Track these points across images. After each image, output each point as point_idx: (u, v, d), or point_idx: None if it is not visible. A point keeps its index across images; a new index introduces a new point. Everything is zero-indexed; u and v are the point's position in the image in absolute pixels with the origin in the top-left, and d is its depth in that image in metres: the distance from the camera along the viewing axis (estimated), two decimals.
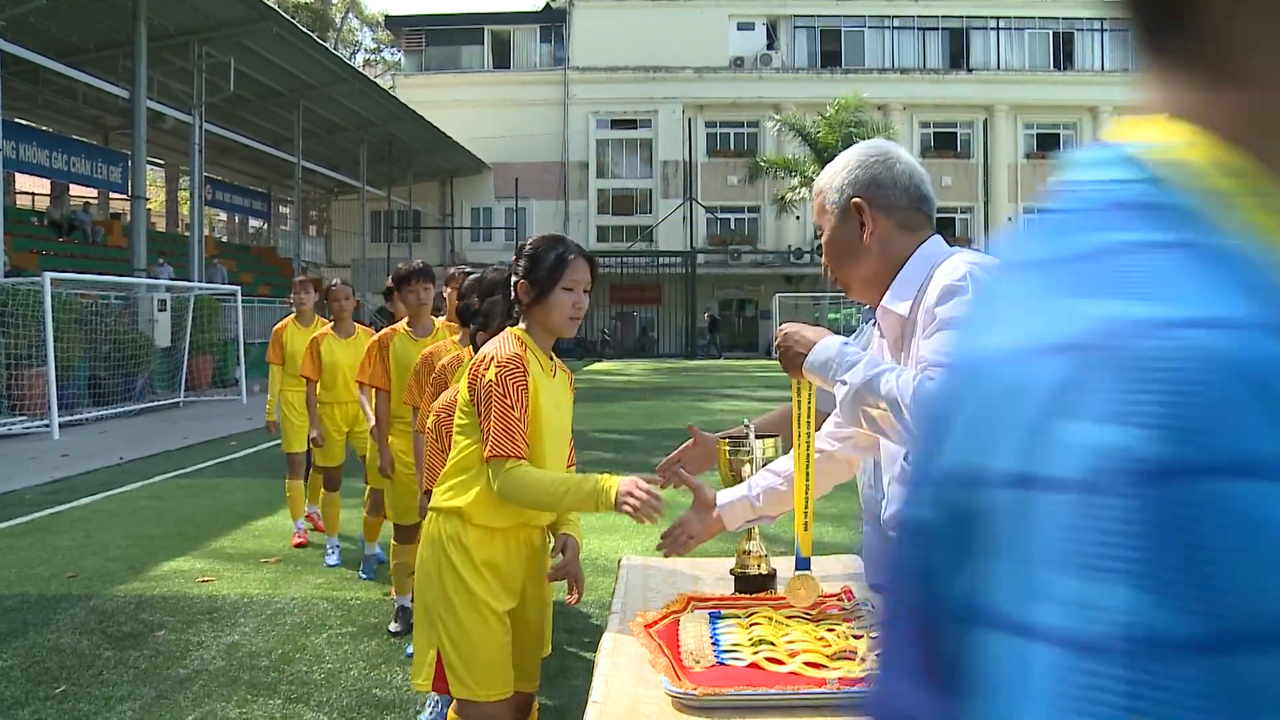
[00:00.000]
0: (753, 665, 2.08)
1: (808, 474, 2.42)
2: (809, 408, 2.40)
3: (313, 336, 7.38)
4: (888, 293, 2.19)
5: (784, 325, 2.30)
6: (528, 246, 2.91)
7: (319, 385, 7.15)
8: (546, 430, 2.85)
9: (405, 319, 5.81)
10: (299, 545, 7.64)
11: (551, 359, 2.97)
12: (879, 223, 2.18)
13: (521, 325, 2.93)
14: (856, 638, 2.20)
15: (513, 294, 2.92)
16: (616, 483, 2.65)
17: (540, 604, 3.07)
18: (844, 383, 2.06)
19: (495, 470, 2.73)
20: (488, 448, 2.73)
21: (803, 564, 2.48)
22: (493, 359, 2.79)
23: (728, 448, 2.75)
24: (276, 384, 7.88)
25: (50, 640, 5.46)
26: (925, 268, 2.15)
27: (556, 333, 2.90)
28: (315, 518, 8.02)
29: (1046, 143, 49.02)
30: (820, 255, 2.37)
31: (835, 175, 2.25)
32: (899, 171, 2.21)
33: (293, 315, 7.93)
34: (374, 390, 5.70)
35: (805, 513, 2.45)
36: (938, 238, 2.23)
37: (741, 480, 2.72)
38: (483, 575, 2.84)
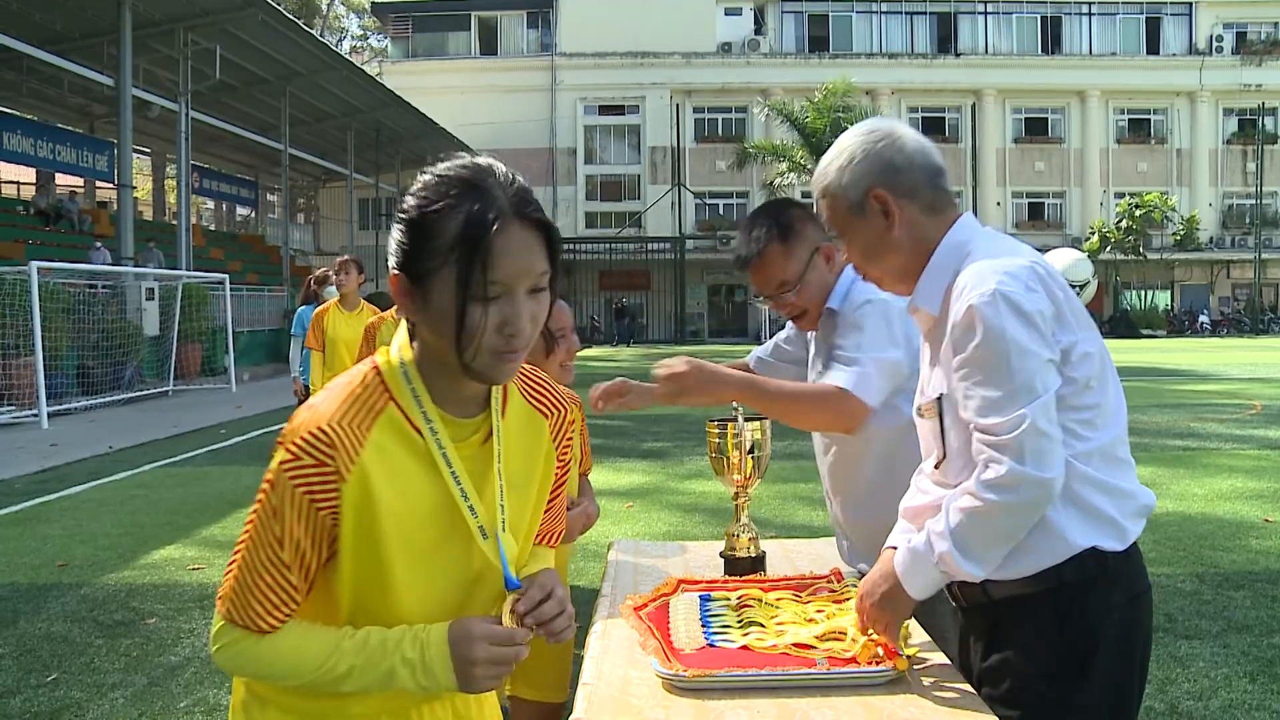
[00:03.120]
0: (743, 647, 2.10)
1: None
2: None
3: (319, 310, 7.36)
4: (916, 289, 2.07)
5: (858, 590, 2.11)
6: (411, 198, 1.40)
7: (324, 364, 7.11)
8: (424, 559, 1.45)
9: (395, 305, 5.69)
10: None
11: (488, 405, 1.50)
12: (904, 210, 2.04)
13: (402, 348, 1.48)
14: (846, 619, 2.21)
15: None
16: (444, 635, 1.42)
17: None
18: (944, 558, 1.91)
19: (217, 637, 1.49)
20: (220, 596, 1.50)
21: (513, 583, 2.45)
22: (290, 433, 1.40)
23: (715, 430, 2.75)
24: (318, 374, 7.54)
25: (41, 629, 5.45)
26: (953, 259, 2.01)
27: (477, 377, 1.41)
28: None
29: (1035, 127, 49.09)
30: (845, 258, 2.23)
31: (842, 171, 2.08)
32: (911, 150, 2.07)
33: (334, 300, 7.67)
34: None
35: None
36: (966, 217, 2.10)
37: (730, 464, 2.73)
38: None
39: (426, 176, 1.38)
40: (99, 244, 22.04)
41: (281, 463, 1.37)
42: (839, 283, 2.70)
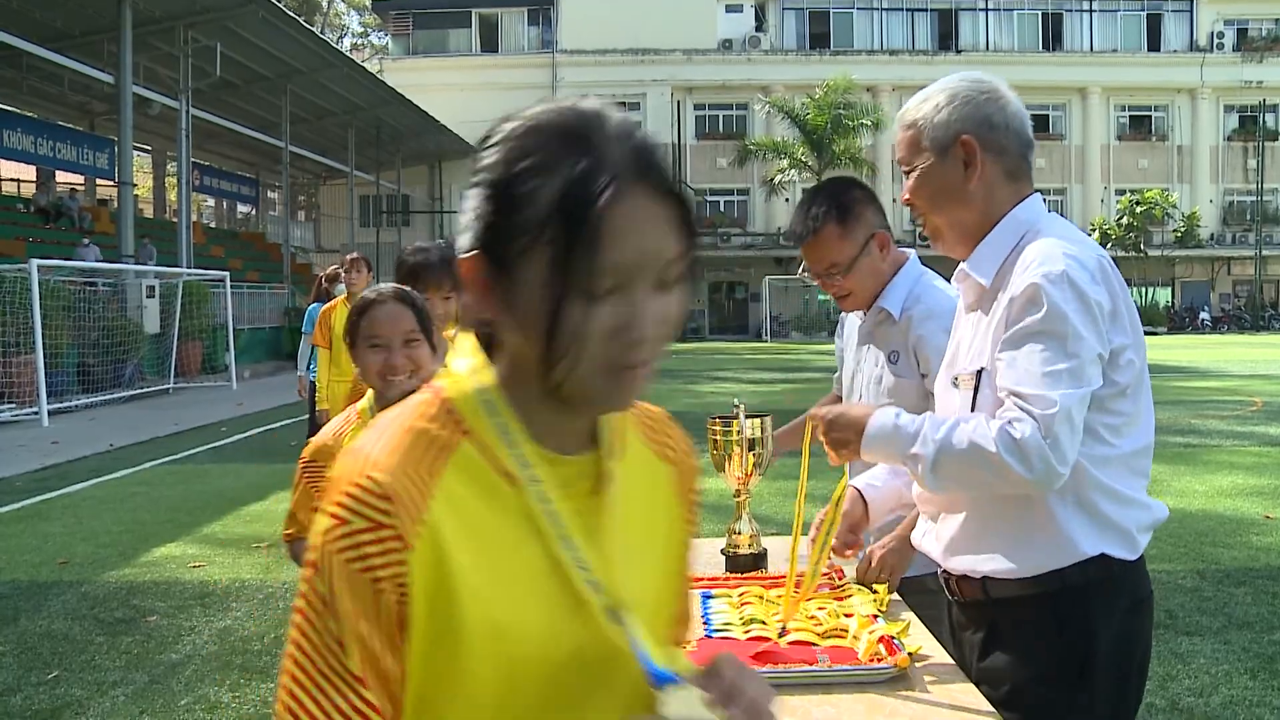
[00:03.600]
0: (743, 643, 2.09)
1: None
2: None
3: (326, 307, 7.37)
4: (972, 255, 2.02)
5: (815, 411, 2.13)
6: (492, 152, 1.04)
7: (330, 361, 7.09)
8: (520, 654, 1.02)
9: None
10: None
11: (596, 441, 1.12)
12: (987, 167, 1.97)
13: (477, 364, 1.10)
14: (847, 616, 2.21)
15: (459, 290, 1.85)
16: None
17: None
18: (916, 456, 1.89)
19: None
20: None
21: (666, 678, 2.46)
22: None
23: (716, 427, 2.75)
24: (324, 371, 7.46)
25: (42, 626, 5.46)
26: (1016, 235, 1.97)
27: (577, 403, 1.10)
28: None
29: (1036, 123, 47.77)
30: (901, 194, 2.14)
31: (938, 108, 1.99)
32: (1011, 113, 2.00)
33: (343, 296, 7.63)
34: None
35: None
36: (1037, 198, 2.04)
37: (731, 461, 2.72)
38: None
39: (513, 124, 1.01)
40: (87, 241, 21.79)
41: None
42: (896, 282, 2.69)
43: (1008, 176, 2.00)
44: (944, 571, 2.11)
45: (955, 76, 2.05)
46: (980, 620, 2.04)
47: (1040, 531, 1.90)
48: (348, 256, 7.68)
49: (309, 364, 8.71)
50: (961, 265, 2.05)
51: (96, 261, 20.06)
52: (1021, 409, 1.79)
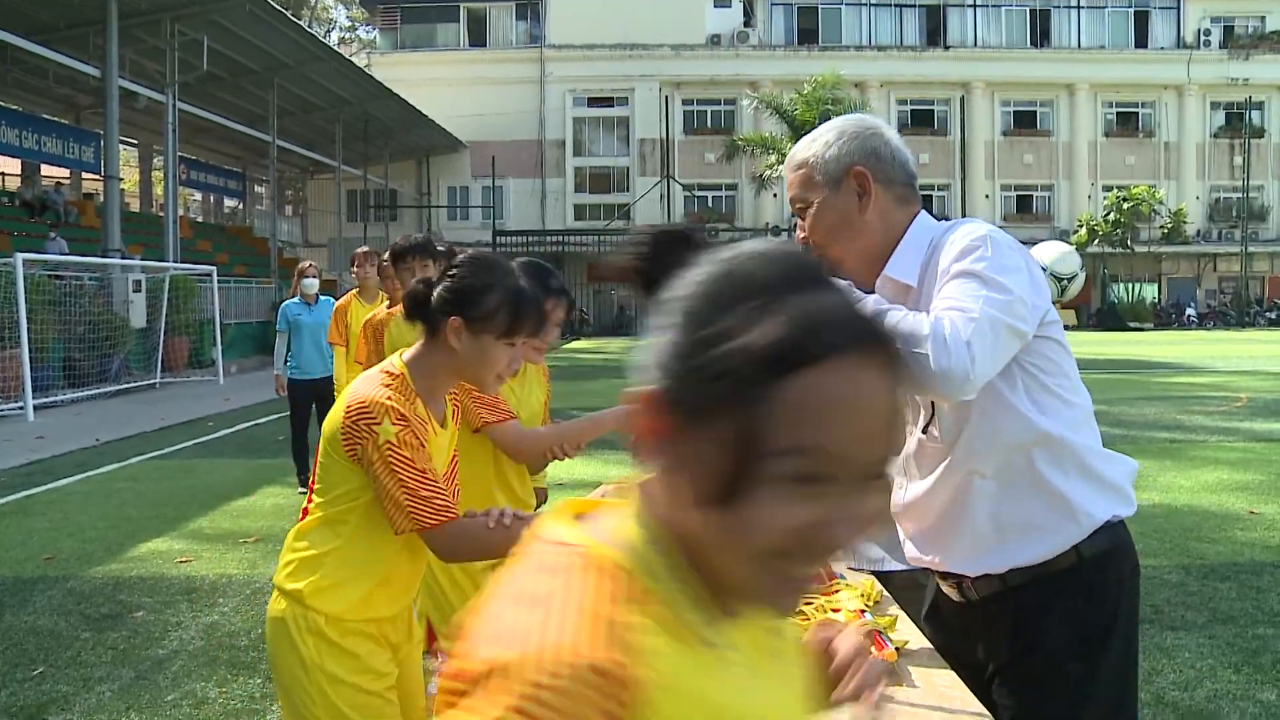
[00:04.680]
0: None
1: None
2: None
3: (340, 304, 7.36)
4: (890, 261, 2.07)
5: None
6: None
7: (346, 357, 7.08)
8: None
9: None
10: None
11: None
12: (879, 196, 2.07)
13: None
14: (835, 611, 2.21)
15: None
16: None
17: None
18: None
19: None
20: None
21: None
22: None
23: None
24: (342, 371, 7.35)
25: (27, 622, 5.44)
26: (927, 238, 2.05)
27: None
28: None
29: (1024, 120, 49.12)
30: (796, 232, 2.23)
31: (826, 146, 2.10)
32: (894, 146, 2.12)
33: (355, 291, 7.60)
34: None
35: None
36: (925, 213, 2.14)
37: None
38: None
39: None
40: (54, 234, 21.41)
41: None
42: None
43: (898, 202, 2.10)
44: (952, 575, 2.12)
45: (838, 119, 2.17)
46: (1002, 613, 2.06)
47: (1055, 512, 1.97)
48: (358, 251, 7.66)
49: (291, 362, 8.70)
50: (884, 272, 2.08)
51: (62, 255, 19.68)
52: (953, 307, 1.84)
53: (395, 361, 2.26)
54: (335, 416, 2.20)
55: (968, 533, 2.03)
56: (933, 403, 2.05)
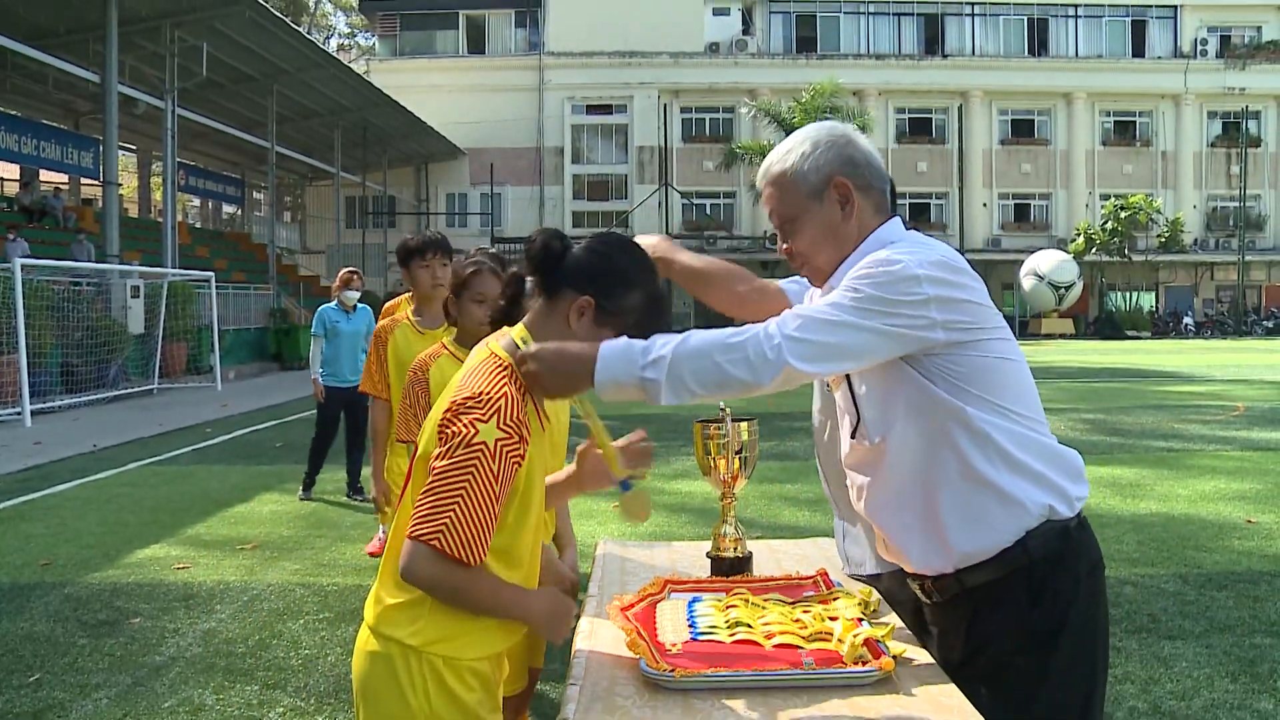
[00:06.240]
0: (729, 646, 2.10)
1: None
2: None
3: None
4: (837, 273, 2.09)
5: (531, 348, 1.91)
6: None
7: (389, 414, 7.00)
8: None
9: (412, 307, 4.83)
10: (374, 555, 6.87)
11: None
12: (860, 204, 2.09)
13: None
14: (832, 619, 2.22)
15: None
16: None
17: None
18: (654, 364, 1.85)
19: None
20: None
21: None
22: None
23: (703, 430, 2.75)
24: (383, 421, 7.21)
25: (24, 628, 5.43)
26: (876, 247, 2.06)
27: None
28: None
29: (1021, 129, 49.22)
30: (778, 242, 2.20)
31: (805, 157, 2.10)
32: (866, 151, 2.13)
33: (406, 296, 7.59)
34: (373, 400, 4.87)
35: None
36: (897, 221, 2.15)
37: (717, 464, 2.73)
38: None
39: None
40: (13, 236, 20.40)
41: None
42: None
43: (876, 210, 2.13)
44: (917, 576, 2.18)
45: (808, 128, 2.16)
46: (962, 613, 2.10)
47: (991, 504, 2.00)
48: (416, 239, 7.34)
49: (323, 367, 8.70)
50: (828, 282, 2.12)
51: (24, 256, 19.18)
52: (787, 314, 1.93)
53: (515, 337, 1.96)
54: (434, 419, 1.92)
55: (916, 532, 2.09)
56: (857, 408, 2.11)
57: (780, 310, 2.02)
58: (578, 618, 2.40)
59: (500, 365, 1.91)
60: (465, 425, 1.79)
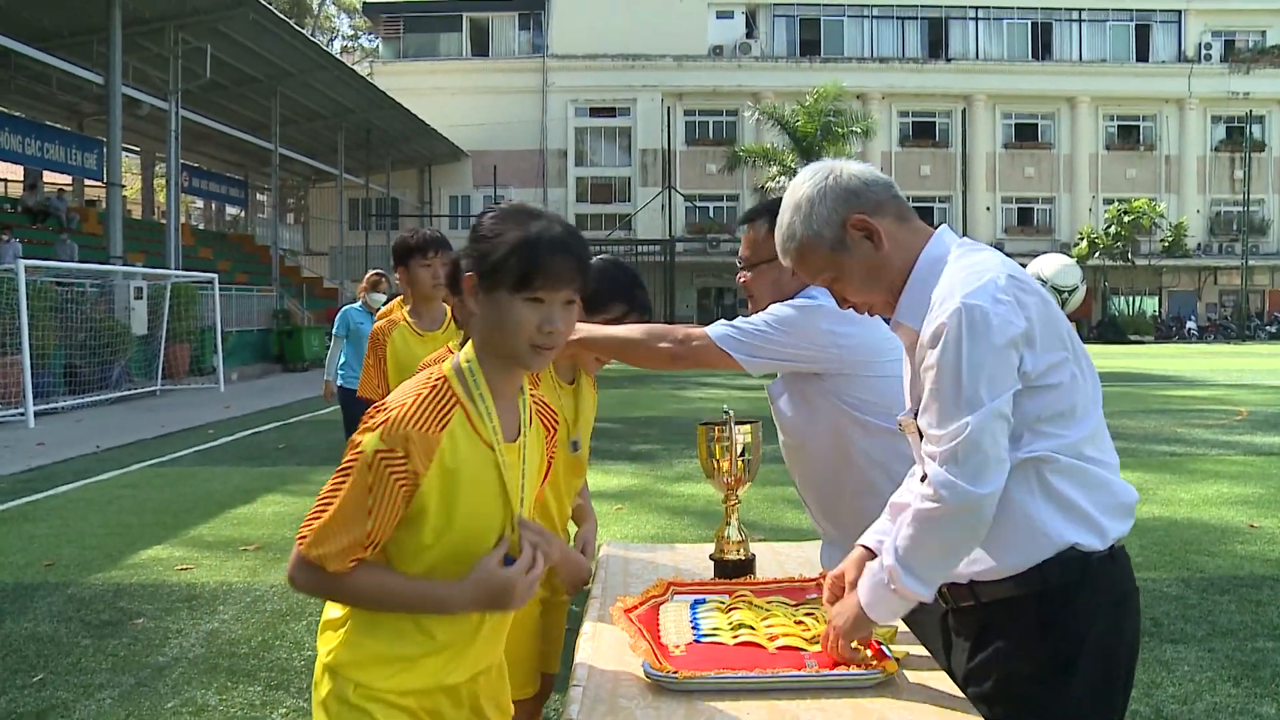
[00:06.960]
0: (732, 649, 2.11)
1: None
2: None
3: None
4: (899, 306, 2.05)
5: (829, 613, 2.09)
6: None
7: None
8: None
9: (408, 307, 4.74)
10: None
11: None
12: (884, 228, 2.03)
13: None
14: None
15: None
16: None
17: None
18: (892, 575, 1.94)
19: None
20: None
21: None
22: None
23: (707, 433, 2.76)
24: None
25: (27, 629, 5.44)
26: (933, 274, 2.00)
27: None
28: None
29: (1024, 132, 49.22)
30: (838, 303, 2.16)
31: (809, 219, 2.04)
32: (856, 172, 2.08)
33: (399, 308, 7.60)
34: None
35: None
36: (944, 231, 2.09)
37: (720, 467, 2.73)
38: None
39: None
40: (7, 237, 20.13)
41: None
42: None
43: (900, 221, 2.06)
44: None
45: (791, 190, 2.11)
46: (973, 624, 2.08)
47: (1014, 528, 1.94)
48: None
49: (341, 369, 8.63)
50: (894, 319, 2.08)
51: (18, 257, 19.04)
52: (929, 455, 1.90)
53: (463, 351, 1.86)
54: None
55: None
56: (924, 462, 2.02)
57: (711, 360, 2.37)
58: (582, 618, 2.40)
59: (425, 381, 1.79)
60: (358, 434, 1.73)
